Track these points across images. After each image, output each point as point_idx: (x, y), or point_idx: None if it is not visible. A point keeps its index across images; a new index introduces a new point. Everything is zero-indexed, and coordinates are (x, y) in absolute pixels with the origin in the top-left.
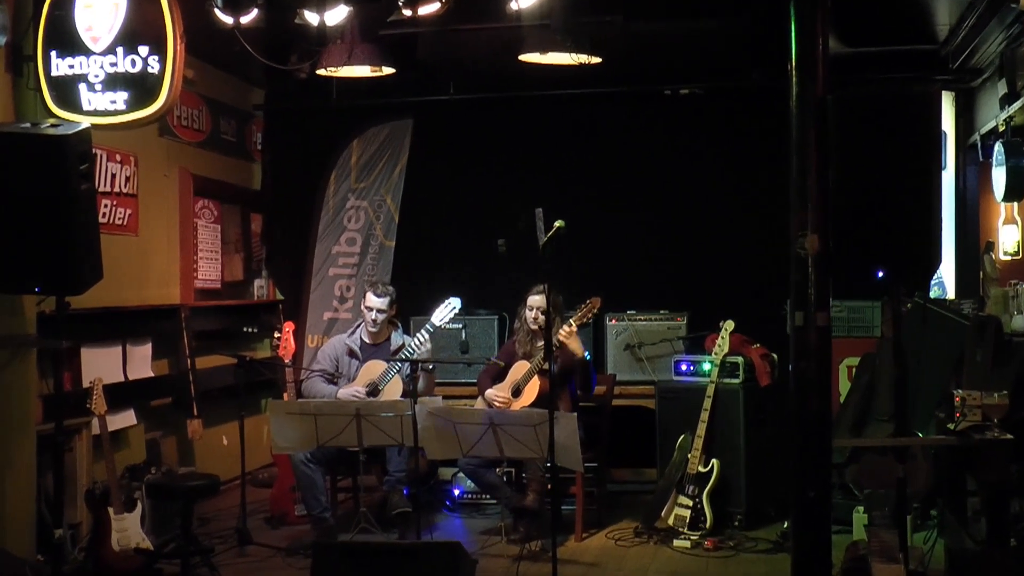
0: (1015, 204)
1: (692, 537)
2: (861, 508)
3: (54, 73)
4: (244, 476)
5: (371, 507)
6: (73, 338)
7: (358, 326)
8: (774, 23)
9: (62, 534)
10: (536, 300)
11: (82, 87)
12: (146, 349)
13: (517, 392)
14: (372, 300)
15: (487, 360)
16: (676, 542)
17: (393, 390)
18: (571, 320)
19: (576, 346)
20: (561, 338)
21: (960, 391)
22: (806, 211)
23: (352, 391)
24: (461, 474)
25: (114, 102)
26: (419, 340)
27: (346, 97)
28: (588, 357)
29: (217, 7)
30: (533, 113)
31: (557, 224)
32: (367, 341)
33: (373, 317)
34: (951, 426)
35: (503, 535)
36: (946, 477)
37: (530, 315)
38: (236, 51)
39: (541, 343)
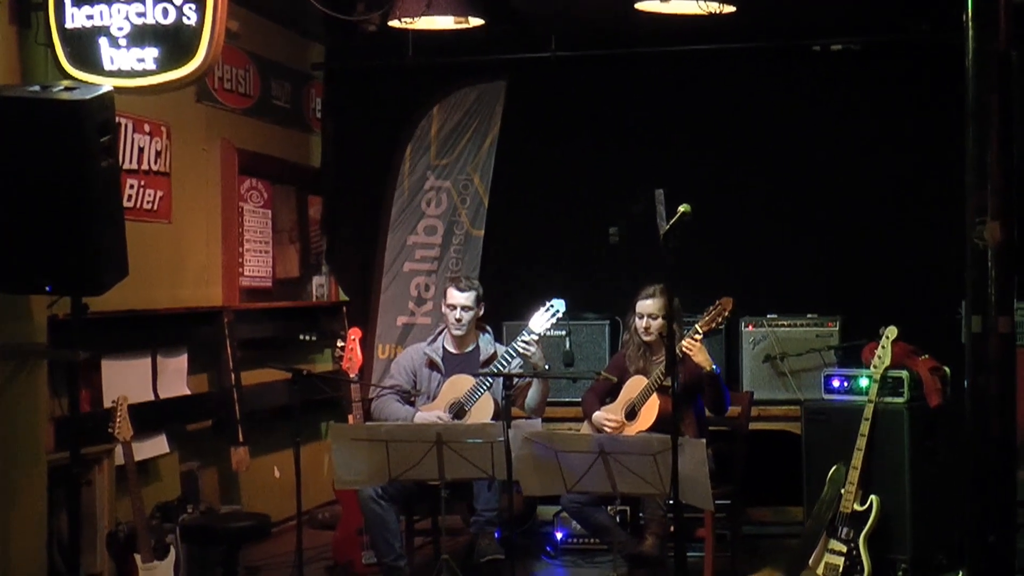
0: None
1: None
2: None
3: (69, 25)
4: (300, 516)
5: (455, 553)
6: (92, 348)
7: (440, 333)
8: None
9: None
10: (647, 305)
11: (103, 42)
12: (181, 361)
13: (632, 414)
14: (455, 296)
15: (596, 375)
16: None
17: (482, 411)
18: (697, 326)
19: (703, 358)
20: (685, 349)
21: None
22: (985, 193)
23: (434, 414)
24: (565, 513)
25: (142, 60)
26: (513, 351)
27: (425, 54)
28: (718, 371)
29: None
30: (652, 74)
31: (682, 209)
32: (451, 350)
33: (457, 316)
34: None
35: None
36: None
37: (640, 323)
38: None
39: (657, 357)
